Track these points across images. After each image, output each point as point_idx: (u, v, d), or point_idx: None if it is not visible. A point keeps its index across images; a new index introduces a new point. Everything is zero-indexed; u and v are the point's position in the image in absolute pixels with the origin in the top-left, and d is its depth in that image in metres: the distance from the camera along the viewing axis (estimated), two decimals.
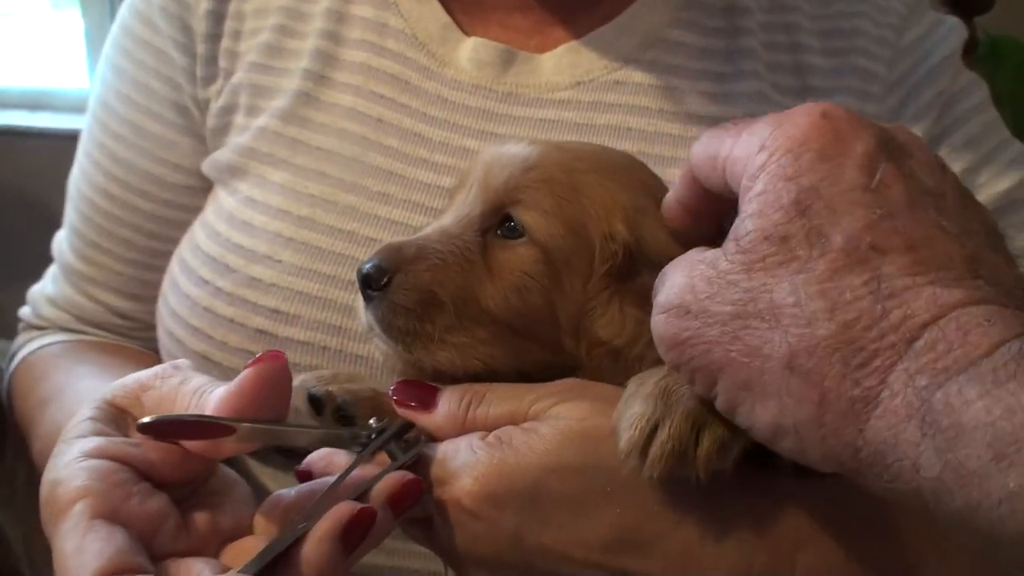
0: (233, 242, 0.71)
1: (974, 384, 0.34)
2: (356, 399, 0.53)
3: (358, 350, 0.66)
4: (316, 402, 0.53)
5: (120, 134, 0.80)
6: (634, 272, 0.52)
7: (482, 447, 0.48)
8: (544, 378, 0.51)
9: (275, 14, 0.76)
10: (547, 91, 0.73)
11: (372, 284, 0.52)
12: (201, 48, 0.77)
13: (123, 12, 0.83)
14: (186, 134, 0.79)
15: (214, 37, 0.77)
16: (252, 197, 0.72)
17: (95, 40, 2.56)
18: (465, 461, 0.48)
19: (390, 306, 0.51)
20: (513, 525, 0.47)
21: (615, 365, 0.51)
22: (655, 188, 0.55)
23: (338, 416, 0.53)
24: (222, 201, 0.74)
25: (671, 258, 0.50)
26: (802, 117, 0.41)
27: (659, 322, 0.43)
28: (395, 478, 0.48)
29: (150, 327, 0.81)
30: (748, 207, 0.41)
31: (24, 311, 0.89)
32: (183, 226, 0.78)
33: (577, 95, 0.73)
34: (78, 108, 2.57)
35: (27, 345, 0.86)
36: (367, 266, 0.52)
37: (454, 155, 0.71)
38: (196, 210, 0.78)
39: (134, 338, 0.85)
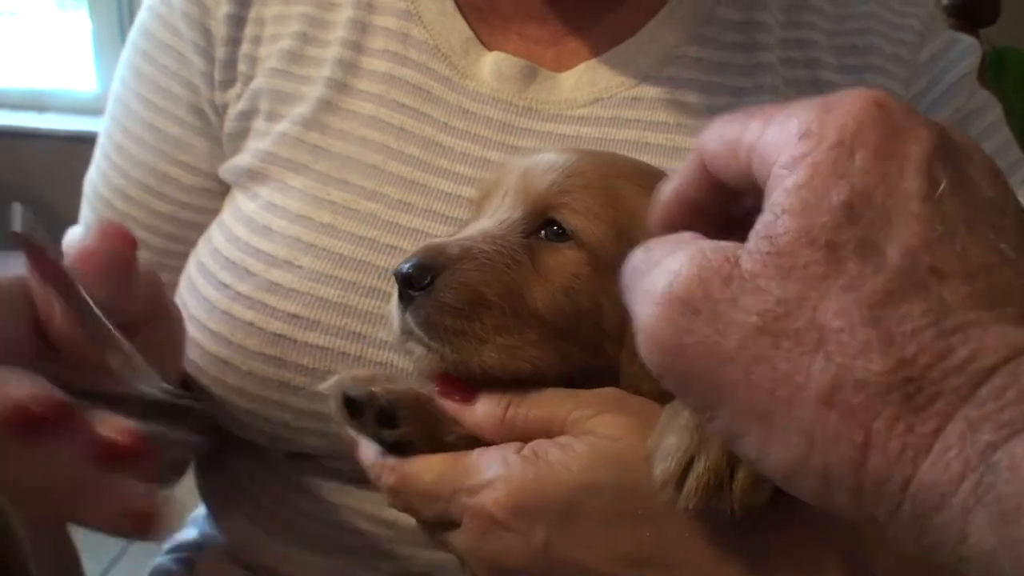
0: (253, 246, 0.71)
1: None
2: (400, 400, 0.51)
3: (378, 356, 0.67)
4: (354, 405, 0.51)
5: (139, 136, 0.81)
6: None
7: (517, 460, 0.48)
8: (586, 384, 0.51)
9: (296, 21, 0.77)
10: (566, 107, 0.73)
11: (414, 284, 0.51)
12: (220, 52, 0.77)
13: (143, 15, 0.83)
14: (202, 136, 0.79)
15: (234, 41, 0.77)
16: (272, 202, 0.73)
17: (103, 42, 2.57)
18: (498, 473, 0.48)
19: (436, 305, 0.50)
20: (542, 538, 0.47)
21: (651, 376, 0.51)
22: None
23: (380, 418, 0.51)
24: (241, 205, 0.75)
25: None
26: (853, 103, 0.36)
27: (653, 316, 0.36)
28: (127, 428, 0.45)
29: None
30: (783, 200, 0.35)
31: None
32: (200, 228, 0.79)
33: (596, 111, 0.73)
34: (83, 109, 2.59)
35: None
36: (407, 265, 0.51)
37: (474, 166, 0.72)
38: (212, 212, 0.79)
39: None
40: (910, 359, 0.31)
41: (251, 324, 0.69)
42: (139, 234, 0.80)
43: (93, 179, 0.85)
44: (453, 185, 0.71)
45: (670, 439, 0.44)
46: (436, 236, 0.68)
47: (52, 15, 3.13)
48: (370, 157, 0.72)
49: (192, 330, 0.73)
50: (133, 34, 0.84)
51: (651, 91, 0.73)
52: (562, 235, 0.52)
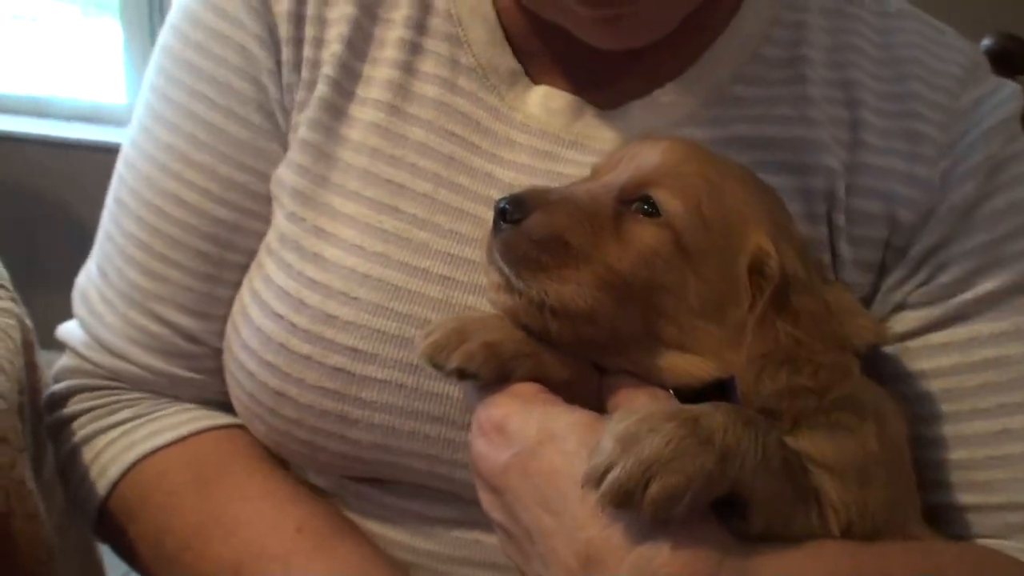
0: (306, 276, 0.70)
1: None
2: (471, 360, 0.59)
3: (435, 388, 0.67)
4: (439, 368, 0.60)
5: (196, 137, 0.74)
6: (785, 295, 0.57)
7: (522, 402, 0.59)
8: (613, 348, 0.58)
9: (344, 24, 0.73)
10: (614, 145, 0.72)
11: (507, 216, 0.57)
12: (286, 53, 0.74)
13: (187, 4, 0.76)
14: (275, 140, 0.75)
15: (296, 42, 0.74)
16: (320, 227, 0.71)
17: (134, 51, 2.59)
18: (503, 401, 0.59)
19: (519, 233, 0.56)
20: (505, 459, 0.58)
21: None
22: (784, 208, 0.64)
23: (461, 375, 0.59)
24: (282, 227, 0.73)
25: (803, 281, 0.57)
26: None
27: None
28: None
29: (217, 354, 0.77)
30: None
31: (64, 367, 0.81)
32: (262, 238, 0.75)
33: None
34: (109, 119, 2.61)
35: (120, 452, 0.77)
36: (505, 200, 0.58)
37: None
38: None
39: (201, 371, 0.78)
40: None
41: (308, 358, 0.68)
42: (198, 244, 0.75)
43: (132, 185, 0.77)
44: None
45: (603, 442, 0.50)
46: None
47: (76, 23, 3.15)
48: (421, 185, 0.71)
49: (245, 359, 0.72)
50: (177, 21, 0.77)
51: (698, 132, 0.72)
52: (653, 212, 0.58)
